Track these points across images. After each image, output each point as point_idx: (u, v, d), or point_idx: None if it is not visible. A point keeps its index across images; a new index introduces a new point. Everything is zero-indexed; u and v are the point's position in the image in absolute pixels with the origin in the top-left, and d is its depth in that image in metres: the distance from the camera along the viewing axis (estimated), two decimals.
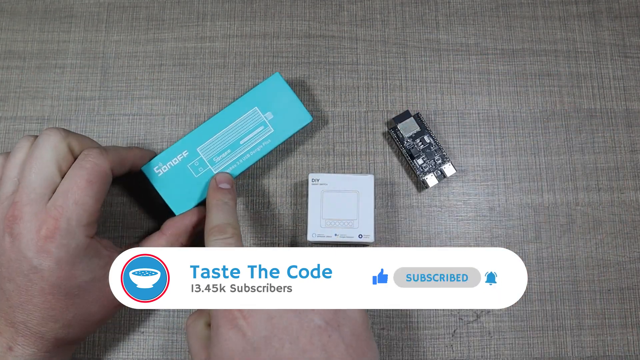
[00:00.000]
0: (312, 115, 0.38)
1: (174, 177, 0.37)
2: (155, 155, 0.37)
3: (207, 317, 0.31)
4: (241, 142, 0.37)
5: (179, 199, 0.37)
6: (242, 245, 0.31)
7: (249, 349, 0.27)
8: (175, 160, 0.37)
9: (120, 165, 0.34)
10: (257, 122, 0.38)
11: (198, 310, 0.32)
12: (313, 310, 0.28)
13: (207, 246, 0.31)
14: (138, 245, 0.35)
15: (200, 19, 0.43)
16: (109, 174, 0.32)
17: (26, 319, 0.30)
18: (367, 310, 0.38)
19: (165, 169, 0.37)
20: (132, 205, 0.40)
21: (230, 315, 0.28)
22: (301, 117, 0.38)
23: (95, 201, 0.31)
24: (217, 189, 0.35)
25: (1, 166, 0.32)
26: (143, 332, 0.38)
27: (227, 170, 0.37)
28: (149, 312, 0.39)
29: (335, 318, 0.28)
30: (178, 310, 0.38)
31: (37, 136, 0.32)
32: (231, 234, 0.31)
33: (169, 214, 0.37)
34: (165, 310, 0.39)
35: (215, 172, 0.37)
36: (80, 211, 0.30)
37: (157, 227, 0.36)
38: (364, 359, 0.28)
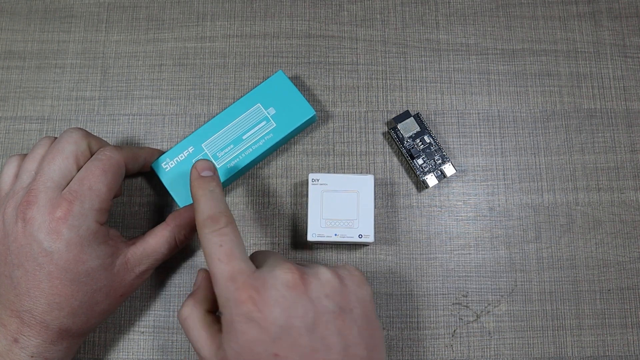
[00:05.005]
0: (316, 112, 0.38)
1: (180, 172, 0.38)
2: (164, 153, 0.39)
3: (206, 305, 0.31)
4: (244, 137, 0.38)
5: (184, 192, 0.38)
6: (238, 232, 0.31)
7: (267, 340, 0.27)
8: (181, 156, 0.38)
9: (133, 160, 0.36)
10: (259, 118, 0.39)
11: (190, 299, 0.31)
12: (326, 295, 0.28)
13: (202, 239, 0.30)
14: (143, 236, 0.35)
15: (200, 19, 0.43)
16: (123, 167, 0.34)
17: (32, 306, 0.30)
18: None
19: (172, 164, 0.38)
20: (132, 205, 0.40)
21: (243, 308, 0.27)
22: (303, 111, 0.39)
23: (108, 189, 0.33)
24: (200, 178, 0.33)
25: (20, 161, 0.34)
26: (143, 332, 0.38)
27: (230, 165, 0.38)
28: (148, 312, 0.39)
29: (347, 301, 0.29)
30: (178, 311, 0.38)
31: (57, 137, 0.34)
32: (225, 223, 0.30)
33: (173, 209, 0.38)
34: (165, 310, 0.39)
35: (218, 166, 0.38)
36: (94, 196, 0.32)
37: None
38: (374, 339, 0.29)
